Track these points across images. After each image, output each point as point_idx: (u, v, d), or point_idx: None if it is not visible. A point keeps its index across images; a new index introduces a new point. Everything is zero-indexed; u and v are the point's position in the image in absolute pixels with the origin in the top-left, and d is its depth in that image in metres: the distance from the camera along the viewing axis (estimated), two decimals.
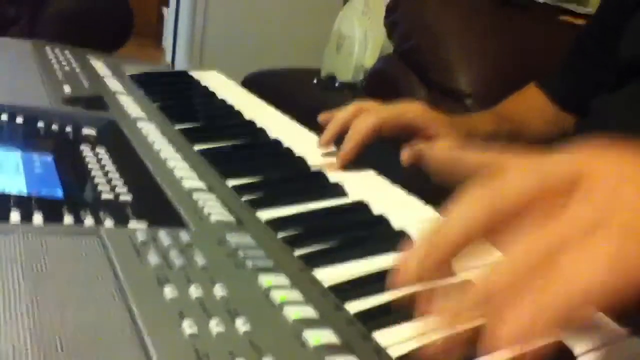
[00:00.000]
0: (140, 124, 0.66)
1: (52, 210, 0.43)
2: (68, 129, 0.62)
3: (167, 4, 3.19)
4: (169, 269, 0.37)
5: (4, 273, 0.34)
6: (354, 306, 0.39)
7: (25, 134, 0.59)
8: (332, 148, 0.68)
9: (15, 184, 0.47)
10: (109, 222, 0.43)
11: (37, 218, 0.41)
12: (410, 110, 0.67)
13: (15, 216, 0.41)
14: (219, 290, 0.35)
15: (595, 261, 0.27)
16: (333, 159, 0.66)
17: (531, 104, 0.82)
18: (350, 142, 0.64)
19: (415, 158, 0.59)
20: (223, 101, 0.86)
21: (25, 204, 0.43)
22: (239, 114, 0.80)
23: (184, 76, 1.01)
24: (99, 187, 0.49)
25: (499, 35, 1.24)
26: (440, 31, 1.22)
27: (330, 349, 0.33)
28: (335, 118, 0.68)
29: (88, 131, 0.63)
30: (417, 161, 0.59)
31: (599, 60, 0.76)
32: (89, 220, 0.42)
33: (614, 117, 0.67)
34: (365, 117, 0.65)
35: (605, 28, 0.77)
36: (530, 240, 0.29)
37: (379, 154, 0.65)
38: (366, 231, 0.51)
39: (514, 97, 0.83)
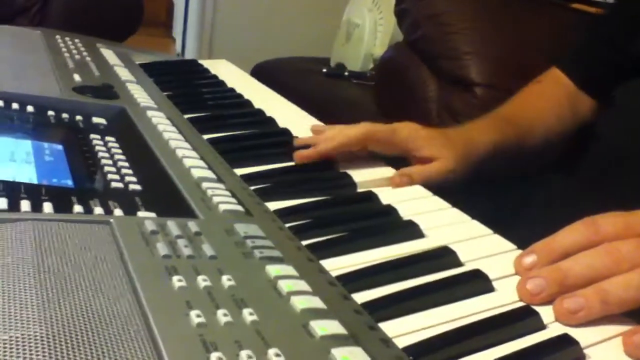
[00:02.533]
0: (150, 113, 0.66)
1: (62, 200, 0.43)
2: (78, 118, 0.63)
3: None
4: (177, 258, 0.37)
5: (13, 262, 0.34)
6: (362, 296, 0.39)
7: (36, 123, 0.59)
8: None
9: (26, 173, 0.47)
10: (118, 212, 0.43)
11: (47, 207, 0.41)
12: (402, 129, 0.64)
13: (25, 205, 0.41)
14: (226, 280, 0.36)
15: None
16: None
17: (546, 97, 0.77)
18: (333, 142, 0.62)
19: (404, 183, 0.59)
20: (232, 90, 0.86)
21: (36, 193, 0.43)
22: (248, 103, 0.80)
23: (193, 65, 1.01)
24: (109, 177, 0.49)
25: (509, 23, 1.23)
26: (450, 20, 1.21)
27: (337, 339, 0.33)
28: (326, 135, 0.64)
29: (98, 120, 0.63)
30: (406, 185, 0.59)
31: (620, 46, 0.74)
32: (98, 210, 0.43)
33: None
34: (356, 125, 0.63)
35: (628, 14, 0.75)
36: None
37: None
38: (374, 221, 0.51)
39: (522, 93, 0.79)
